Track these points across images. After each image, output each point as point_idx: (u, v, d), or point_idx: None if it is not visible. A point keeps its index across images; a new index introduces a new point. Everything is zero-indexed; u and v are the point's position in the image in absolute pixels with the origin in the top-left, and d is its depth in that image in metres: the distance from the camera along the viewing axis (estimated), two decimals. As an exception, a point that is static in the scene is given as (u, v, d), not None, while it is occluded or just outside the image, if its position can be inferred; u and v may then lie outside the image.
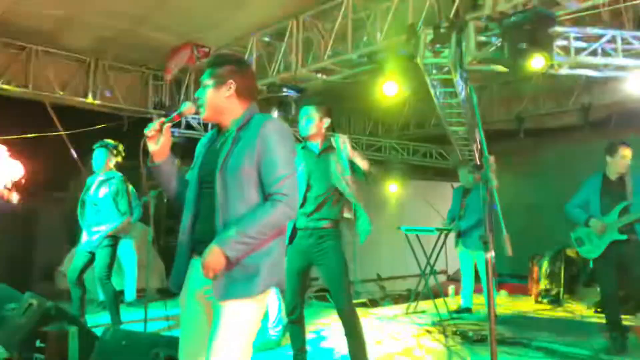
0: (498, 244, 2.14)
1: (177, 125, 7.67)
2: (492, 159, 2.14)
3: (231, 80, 2.15)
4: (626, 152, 4.28)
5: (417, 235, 6.08)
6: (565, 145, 8.59)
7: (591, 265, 4.44)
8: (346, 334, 3.32)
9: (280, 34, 6.57)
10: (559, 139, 8.74)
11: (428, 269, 6.00)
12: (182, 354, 2.18)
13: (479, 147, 7.20)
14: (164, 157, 2.21)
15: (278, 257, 2.10)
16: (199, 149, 2.32)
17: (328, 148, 3.48)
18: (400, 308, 6.35)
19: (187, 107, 2.20)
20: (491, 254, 1.89)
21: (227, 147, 2.10)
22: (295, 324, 3.50)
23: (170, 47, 7.01)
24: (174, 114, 2.21)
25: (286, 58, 6.54)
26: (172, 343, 2.51)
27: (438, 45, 5.11)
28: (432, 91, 5.98)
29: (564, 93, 8.11)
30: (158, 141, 2.17)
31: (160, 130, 2.16)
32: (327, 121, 3.48)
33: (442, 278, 10.38)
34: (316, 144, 3.49)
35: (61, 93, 7.05)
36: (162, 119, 2.18)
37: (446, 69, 5.62)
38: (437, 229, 5.82)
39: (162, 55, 7.17)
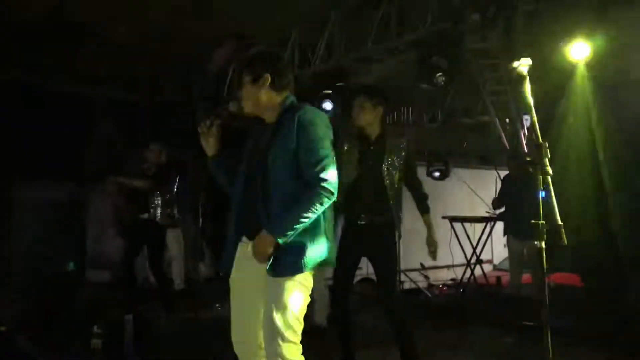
0: (550, 233, 2.08)
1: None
2: (544, 145, 2.08)
3: (267, 74, 2.25)
4: None
5: (462, 224, 6.00)
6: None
7: None
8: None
9: (322, 23, 6.56)
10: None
11: (474, 259, 5.91)
12: (235, 332, 2.31)
13: (526, 134, 7.04)
14: (214, 152, 2.37)
15: (323, 239, 2.20)
16: (247, 141, 2.43)
17: (383, 137, 3.45)
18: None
19: (234, 105, 2.32)
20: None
21: (268, 141, 2.21)
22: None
23: (215, 41, 7.11)
24: (222, 112, 2.33)
25: (329, 46, 6.53)
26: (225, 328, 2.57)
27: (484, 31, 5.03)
28: (478, 78, 5.85)
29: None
30: (209, 138, 2.33)
31: (211, 127, 2.31)
32: (381, 109, 3.42)
33: (488, 268, 10.22)
34: (371, 132, 3.44)
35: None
36: (212, 118, 2.33)
37: (493, 54, 5.50)
38: (484, 218, 5.72)
39: (208, 49, 7.28)
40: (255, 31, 6.88)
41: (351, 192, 3.32)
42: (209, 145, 2.35)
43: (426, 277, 10.11)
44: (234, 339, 2.32)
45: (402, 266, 9.79)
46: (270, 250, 2.08)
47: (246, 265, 2.25)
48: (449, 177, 9.87)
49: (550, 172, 2.02)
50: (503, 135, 8.16)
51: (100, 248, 7.64)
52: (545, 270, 2.03)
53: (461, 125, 9.75)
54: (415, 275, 10.21)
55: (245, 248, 2.27)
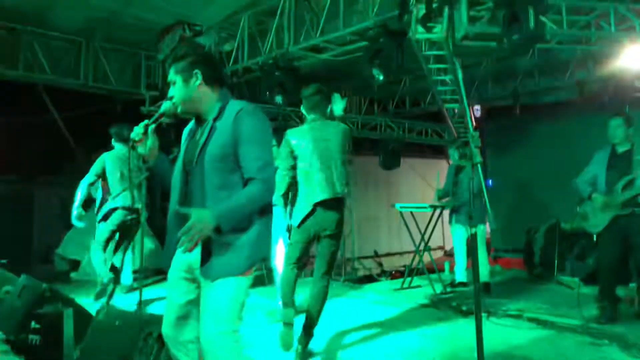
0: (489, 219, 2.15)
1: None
2: (477, 135, 2.15)
3: (196, 71, 2.21)
4: (611, 123, 4.29)
5: (411, 213, 6.12)
6: (561, 120, 8.60)
7: (594, 238, 4.45)
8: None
9: (272, 12, 6.51)
10: (554, 114, 8.75)
11: (422, 245, 6.04)
12: (166, 324, 2.29)
13: (474, 124, 7.20)
14: (154, 157, 2.32)
15: (262, 236, 2.19)
16: (183, 138, 2.41)
17: None
18: (396, 284, 6.41)
19: (167, 107, 2.26)
20: (485, 228, 1.91)
21: (205, 137, 2.18)
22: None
23: (161, 27, 6.95)
24: (156, 115, 2.27)
25: (278, 36, 6.49)
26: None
27: (430, 21, 5.11)
28: (424, 68, 5.95)
29: (559, 68, 8.07)
30: (146, 144, 2.26)
31: (146, 133, 2.25)
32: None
33: (439, 254, 10.50)
34: None
35: (52, 75, 6.99)
36: (147, 122, 2.26)
37: (439, 44, 5.58)
38: (431, 206, 5.85)
39: (154, 35, 7.10)
40: (203, 19, 6.79)
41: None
42: (145, 148, 2.26)
43: (380, 264, 10.32)
44: (164, 331, 2.31)
45: (357, 254, 9.97)
46: (207, 232, 2.00)
47: (187, 260, 2.23)
48: (400, 167, 10.04)
49: (480, 160, 2.09)
50: (451, 125, 8.35)
51: (48, 241, 7.42)
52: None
53: (412, 116, 9.95)
54: (369, 262, 10.41)
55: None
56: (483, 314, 4.60)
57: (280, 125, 8.49)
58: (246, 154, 2.13)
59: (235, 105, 2.21)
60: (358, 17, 5.77)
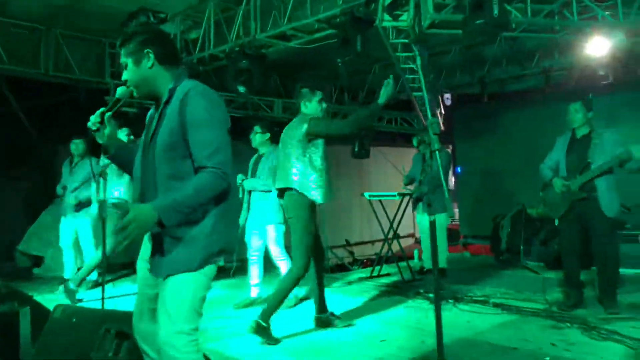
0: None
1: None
2: (435, 122, 2.14)
3: (148, 50, 2.08)
4: (571, 107, 4.35)
5: (380, 201, 6.13)
6: (527, 108, 8.73)
7: (556, 223, 4.52)
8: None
9: (238, 0, 6.40)
10: (521, 102, 8.88)
11: (391, 234, 6.07)
12: (136, 317, 2.22)
13: (443, 112, 7.26)
14: (115, 146, 2.21)
15: (218, 226, 2.05)
16: (147, 120, 2.27)
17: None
18: (367, 272, 6.43)
19: (123, 92, 2.14)
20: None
21: (154, 124, 2.08)
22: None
23: (126, 14, 6.77)
24: (112, 101, 2.16)
25: (245, 24, 6.39)
26: (124, 318, 2.51)
27: (397, 9, 5.10)
28: (392, 55, 5.94)
29: (525, 57, 8.17)
30: (104, 133, 2.15)
31: (103, 122, 2.13)
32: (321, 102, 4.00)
33: (410, 241, 10.60)
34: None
35: (10, 64, 6.74)
36: (103, 110, 2.14)
37: (405, 32, 5.58)
38: (399, 194, 5.87)
39: (119, 23, 6.91)
40: (168, 6, 6.63)
41: None
42: (103, 137, 2.15)
43: (351, 252, 10.35)
44: (134, 325, 2.24)
45: (329, 243, 9.98)
46: (147, 227, 1.86)
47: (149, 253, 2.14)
48: (372, 156, 10.03)
49: (438, 147, 2.08)
50: (420, 113, 8.39)
51: (9, 237, 7.20)
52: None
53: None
54: (341, 251, 10.44)
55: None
56: (450, 301, 4.73)
57: (248, 114, 8.40)
58: (195, 139, 1.97)
59: (184, 87, 2.07)
60: (325, 4, 5.72)
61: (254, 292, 4.89)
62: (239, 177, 4.79)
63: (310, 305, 4.24)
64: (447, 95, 10.49)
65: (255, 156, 4.95)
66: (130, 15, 6.79)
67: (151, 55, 2.08)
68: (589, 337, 3.60)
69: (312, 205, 3.75)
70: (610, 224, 4.23)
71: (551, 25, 5.52)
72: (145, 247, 2.20)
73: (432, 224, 2.12)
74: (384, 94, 3.59)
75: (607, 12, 5.42)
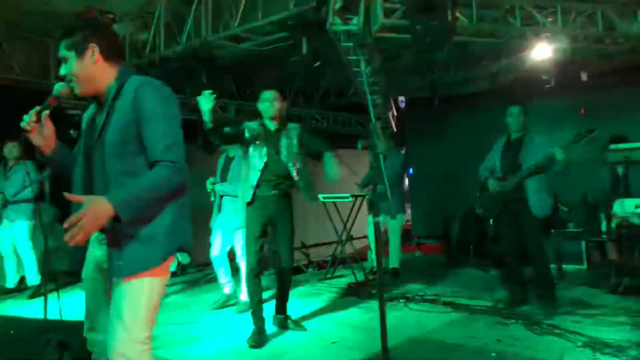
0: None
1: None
2: (378, 125, 2.19)
3: (92, 45, 2.00)
4: (511, 111, 4.52)
5: (334, 203, 6.17)
6: (475, 111, 8.96)
7: (491, 223, 4.68)
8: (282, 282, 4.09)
9: (189, 1, 6.31)
10: (470, 105, 9.10)
11: (345, 235, 6.12)
12: (87, 327, 2.13)
13: (395, 114, 7.36)
14: (52, 147, 2.10)
15: (176, 223, 1.99)
16: (83, 124, 2.18)
17: (283, 129, 3.97)
18: (322, 274, 6.45)
19: (61, 89, 2.04)
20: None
21: (102, 120, 1.99)
22: (255, 278, 3.83)
23: (72, 14, 6.56)
24: (49, 99, 2.05)
25: (196, 25, 6.31)
26: (65, 327, 2.43)
27: (347, 13, 5.14)
28: (344, 59, 5.99)
29: (473, 61, 8.39)
30: (40, 133, 2.05)
31: (39, 121, 2.03)
32: (285, 103, 4.09)
33: (365, 243, 10.68)
34: (275, 124, 3.96)
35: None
36: (38, 109, 2.04)
37: (357, 36, 5.64)
38: (352, 196, 5.92)
39: (65, 22, 6.70)
40: (116, 6, 6.48)
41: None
42: (39, 138, 2.04)
43: (307, 255, 10.34)
44: (86, 334, 2.15)
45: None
46: (102, 221, 1.75)
47: (96, 256, 2.07)
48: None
49: (381, 150, 2.12)
50: (374, 117, 8.49)
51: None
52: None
53: (337, 107, 10.02)
54: (297, 254, 10.42)
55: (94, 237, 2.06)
56: (401, 300, 4.81)
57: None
58: (149, 133, 1.91)
59: (134, 81, 2.00)
60: (277, 7, 5.72)
61: (227, 289, 4.96)
62: (210, 181, 4.81)
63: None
64: (402, 99, 10.66)
65: (222, 157, 4.97)
66: (77, 15, 6.61)
67: (96, 50, 2.00)
68: (531, 332, 3.74)
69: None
70: (539, 223, 4.41)
71: (496, 30, 5.69)
72: (93, 252, 2.11)
73: (376, 226, 2.15)
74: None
75: (548, 19, 5.66)
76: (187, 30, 6.34)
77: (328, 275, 6.24)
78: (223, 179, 4.87)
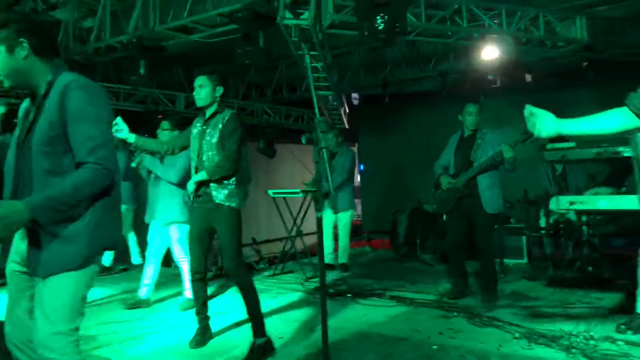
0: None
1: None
2: (322, 120, 2.19)
3: (22, 40, 1.95)
4: (469, 109, 4.60)
5: (284, 199, 6.16)
6: (425, 109, 9.14)
7: (444, 218, 4.78)
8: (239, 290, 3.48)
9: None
10: (420, 103, 9.28)
11: (295, 231, 6.12)
12: (8, 325, 2.08)
13: (347, 111, 7.39)
14: None
15: (101, 222, 1.98)
16: (19, 117, 2.13)
17: (215, 115, 3.51)
18: (271, 270, 6.43)
19: None
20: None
21: (31, 118, 1.95)
22: (199, 281, 3.60)
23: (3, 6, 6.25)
24: None
25: (144, 15, 6.13)
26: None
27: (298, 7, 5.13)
28: (294, 54, 5.97)
29: (424, 60, 8.55)
30: None
31: None
32: (220, 90, 3.52)
33: (314, 239, 10.74)
34: (208, 112, 3.54)
35: None
36: None
37: (308, 31, 5.63)
38: (302, 191, 5.92)
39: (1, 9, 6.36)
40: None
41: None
42: None
43: (257, 251, 10.28)
44: (6, 331, 2.08)
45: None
46: (20, 225, 1.77)
47: (20, 252, 2.02)
48: (281, 153, 10.06)
49: (325, 145, 2.13)
50: (325, 112, 8.53)
51: None
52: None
53: (289, 102, 9.99)
54: (248, 250, 10.35)
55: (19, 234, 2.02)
56: (349, 295, 4.86)
57: (149, 108, 8.09)
58: (75, 134, 1.89)
59: (64, 80, 1.96)
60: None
61: (143, 292, 4.72)
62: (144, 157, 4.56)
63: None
64: (355, 95, 10.74)
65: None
66: (8, 7, 6.29)
67: (26, 45, 1.95)
68: (472, 324, 3.85)
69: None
70: (490, 219, 4.54)
71: (444, 30, 5.82)
72: (17, 246, 2.07)
73: (319, 220, 2.15)
74: None
75: (494, 22, 5.84)
76: (134, 19, 6.16)
77: (277, 272, 6.22)
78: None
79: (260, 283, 5.79)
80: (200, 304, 3.67)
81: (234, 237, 3.40)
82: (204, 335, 3.65)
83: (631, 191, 4.27)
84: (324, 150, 2.15)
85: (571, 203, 3.47)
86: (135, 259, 6.74)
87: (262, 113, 9.43)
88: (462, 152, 4.64)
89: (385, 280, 5.57)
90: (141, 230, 5.21)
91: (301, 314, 4.40)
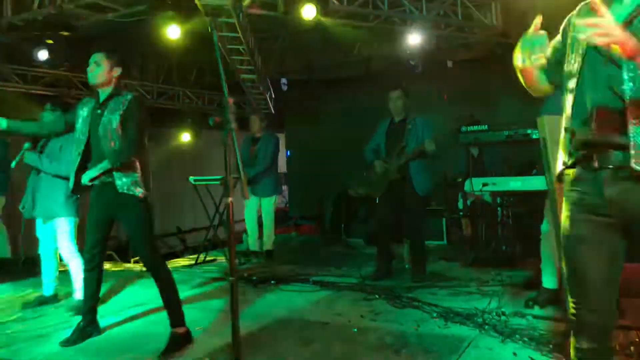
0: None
1: None
2: (230, 101, 2.09)
3: None
4: (392, 95, 4.64)
5: (206, 186, 5.98)
6: (349, 94, 9.18)
7: (377, 201, 4.83)
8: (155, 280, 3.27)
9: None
10: (344, 88, 9.30)
11: (218, 219, 5.98)
12: None
13: (273, 96, 7.26)
14: None
15: None
16: None
17: (112, 98, 3.24)
18: (194, 259, 6.25)
19: None
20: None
21: None
22: (90, 271, 3.32)
23: None
24: None
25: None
26: None
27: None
28: (215, 36, 5.76)
29: (348, 45, 8.55)
30: None
31: None
32: (118, 70, 3.28)
33: (238, 227, 10.57)
34: (104, 93, 3.28)
35: None
36: None
37: (229, 12, 5.46)
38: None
39: None
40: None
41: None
42: None
43: (183, 240, 10.02)
44: None
45: (158, 231, 9.54)
46: None
47: None
48: (206, 139, 9.77)
49: (232, 127, 2.03)
50: (249, 96, 8.35)
51: None
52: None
53: (212, 86, 9.70)
54: (173, 240, 10.05)
55: None
56: (272, 282, 4.80)
57: (62, 92, 7.58)
58: None
59: None
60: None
61: (47, 289, 4.37)
62: (26, 145, 4.11)
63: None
64: (284, 80, 10.60)
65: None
66: None
67: None
68: (392, 306, 3.91)
69: None
70: (421, 202, 4.66)
71: (366, 14, 5.83)
72: None
73: (228, 207, 2.07)
74: None
75: (415, 7, 5.91)
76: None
77: (200, 261, 6.05)
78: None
79: (182, 273, 5.62)
80: (89, 297, 3.37)
81: (143, 227, 3.21)
82: (83, 332, 3.34)
83: (541, 173, 4.51)
84: (232, 132, 2.05)
85: (484, 185, 3.58)
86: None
87: (184, 98, 9.09)
88: (393, 137, 4.70)
89: (311, 266, 5.56)
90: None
91: (223, 304, 4.29)
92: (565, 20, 1.79)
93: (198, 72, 9.52)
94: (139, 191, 3.16)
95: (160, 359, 3.01)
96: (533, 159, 5.41)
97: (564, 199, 1.69)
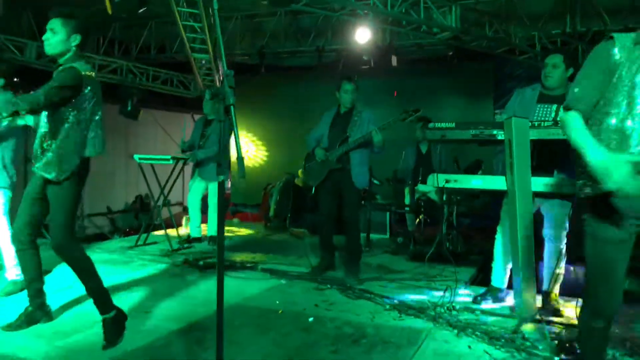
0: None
1: None
2: (231, 74, 1.97)
3: None
4: (346, 87, 4.62)
5: (152, 165, 5.70)
6: (301, 83, 9.13)
7: (313, 192, 4.78)
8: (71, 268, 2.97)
9: None
10: (296, 77, 9.24)
11: (161, 200, 5.73)
12: None
13: (221, 78, 7.03)
14: None
15: None
16: None
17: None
18: (130, 241, 5.96)
19: None
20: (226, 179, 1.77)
21: None
22: (22, 251, 3.05)
23: None
24: None
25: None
26: None
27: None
28: (173, 10, 5.52)
29: (302, 34, 8.50)
30: None
31: None
32: (77, 38, 2.93)
33: (178, 209, 10.25)
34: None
35: None
36: None
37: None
38: (174, 158, 5.53)
39: None
40: None
41: None
42: None
43: (112, 220, 9.56)
44: None
45: (87, 211, 9.06)
46: None
47: None
48: (141, 118, 9.29)
49: (233, 102, 1.93)
50: (198, 76, 8.08)
51: None
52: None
53: (157, 63, 9.28)
54: (102, 220, 9.56)
55: None
56: (220, 268, 4.67)
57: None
58: None
59: None
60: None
61: (11, 274, 3.93)
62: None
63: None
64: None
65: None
66: None
67: None
68: (345, 297, 3.92)
69: None
70: (358, 194, 4.67)
71: (331, 3, 5.79)
72: None
73: (221, 185, 1.96)
74: None
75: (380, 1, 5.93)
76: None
77: (140, 242, 5.79)
78: None
79: (120, 254, 5.36)
80: (29, 278, 3.12)
81: (60, 210, 2.88)
82: (32, 315, 3.12)
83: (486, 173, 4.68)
84: (232, 107, 1.93)
85: (447, 181, 3.65)
86: None
87: (127, 72, 8.63)
88: (337, 127, 4.66)
89: (258, 253, 5.48)
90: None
91: (167, 287, 4.12)
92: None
93: (142, 46, 9.08)
94: (52, 173, 2.85)
95: (104, 349, 2.83)
96: (480, 158, 5.65)
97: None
